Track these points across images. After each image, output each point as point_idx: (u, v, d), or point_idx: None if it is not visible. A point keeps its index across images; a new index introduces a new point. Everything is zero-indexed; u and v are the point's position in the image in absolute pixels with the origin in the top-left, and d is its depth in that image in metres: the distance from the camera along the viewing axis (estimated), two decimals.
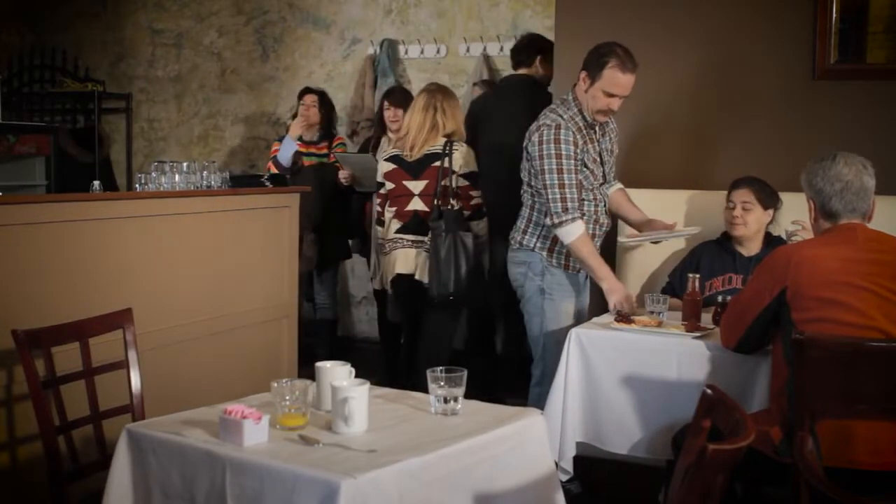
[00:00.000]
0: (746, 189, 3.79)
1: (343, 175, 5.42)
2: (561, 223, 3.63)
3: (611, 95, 3.66)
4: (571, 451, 3.36)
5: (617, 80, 3.62)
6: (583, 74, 3.70)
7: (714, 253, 3.88)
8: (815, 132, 4.16)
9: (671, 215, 4.25)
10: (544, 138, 3.65)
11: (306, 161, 5.56)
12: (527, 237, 3.83)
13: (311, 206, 5.36)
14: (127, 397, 2.88)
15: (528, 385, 3.88)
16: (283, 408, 2.31)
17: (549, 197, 3.64)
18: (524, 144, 3.78)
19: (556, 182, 3.63)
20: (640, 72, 3.83)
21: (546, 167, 3.64)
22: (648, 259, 4.24)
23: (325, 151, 5.63)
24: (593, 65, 3.66)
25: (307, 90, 5.71)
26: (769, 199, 3.80)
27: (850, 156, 2.85)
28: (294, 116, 5.78)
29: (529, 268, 3.81)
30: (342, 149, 5.72)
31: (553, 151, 3.63)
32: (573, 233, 3.64)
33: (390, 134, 5.34)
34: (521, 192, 3.88)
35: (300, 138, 5.60)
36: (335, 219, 5.57)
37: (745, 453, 1.83)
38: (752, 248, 3.83)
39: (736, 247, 3.85)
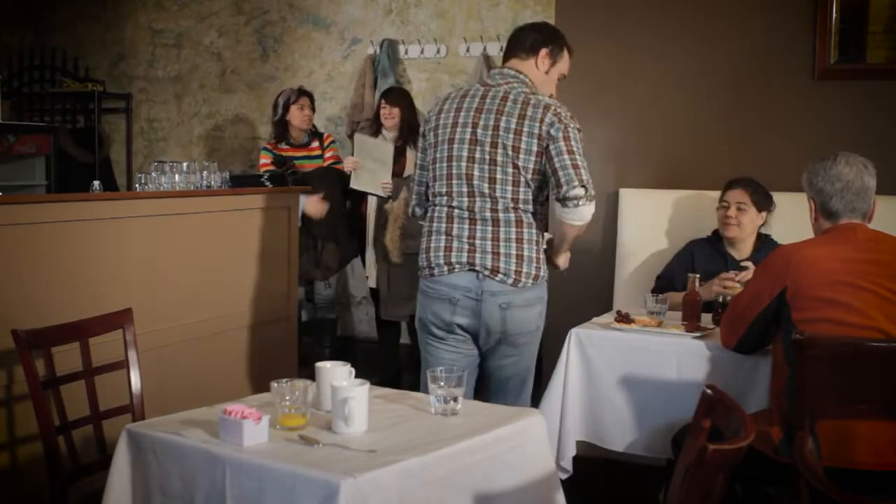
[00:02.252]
0: (742, 190, 3.78)
1: (349, 163, 5.32)
2: (591, 198, 3.00)
3: (560, 80, 3.28)
4: (571, 451, 3.35)
5: (568, 63, 3.27)
6: (544, 52, 3.18)
7: (707, 254, 3.85)
8: (815, 132, 4.16)
9: (672, 215, 4.26)
10: (562, 114, 3.04)
11: (301, 165, 5.48)
12: (541, 267, 3.11)
13: (327, 214, 5.34)
14: (127, 397, 2.88)
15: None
16: (283, 408, 2.31)
17: (582, 167, 2.98)
18: (531, 131, 3.02)
19: (582, 158, 3.02)
20: (639, 72, 3.84)
21: (573, 141, 3.00)
22: (649, 260, 4.24)
23: (318, 153, 5.60)
24: (556, 43, 3.21)
25: (302, 92, 5.64)
26: (763, 202, 3.80)
27: (852, 156, 2.85)
28: (278, 123, 5.56)
29: (543, 304, 3.16)
30: (335, 147, 5.70)
31: (577, 127, 3.07)
32: (591, 213, 3.05)
33: (385, 133, 5.38)
34: (509, 205, 3.05)
35: (290, 143, 5.55)
36: (347, 222, 5.55)
37: (745, 453, 1.83)
38: (744, 250, 3.82)
39: (728, 249, 3.83)
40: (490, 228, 3.05)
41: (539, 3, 6.01)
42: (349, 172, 5.34)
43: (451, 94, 3.23)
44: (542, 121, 3.03)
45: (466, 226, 3.07)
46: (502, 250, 3.04)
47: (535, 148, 3.03)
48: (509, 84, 3.13)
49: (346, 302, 6.62)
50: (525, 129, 3.04)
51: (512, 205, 3.05)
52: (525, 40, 3.20)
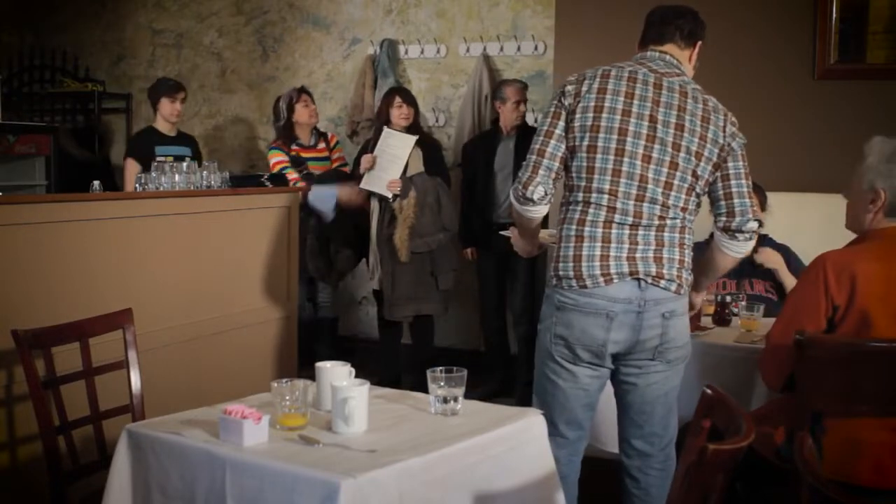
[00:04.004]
0: None
1: (366, 161, 5.18)
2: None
3: None
4: None
5: None
6: (699, 45, 2.88)
7: None
8: (815, 132, 4.17)
9: None
10: (737, 124, 2.81)
11: (312, 166, 5.44)
12: (689, 273, 2.82)
13: (342, 218, 5.31)
14: (127, 397, 2.88)
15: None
16: (283, 408, 2.31)
17: (750, 197, 2.77)
18: (714, 138, 2.75)
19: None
20: None
21: (746, 161, 2.79)
22: None
23: (325, 154, 5.59)
24: (704, 36, 2.90)
25: (303, 90, 5.61)
26: (763, 201, 3.80)
27: None
28: (284, 126, 5.51)
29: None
30: (340, 148, 5.70)
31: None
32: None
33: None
34: (678, 214, 2.74)
35: (298, 143, 5.52)
36: (355, 223, 5.50)
37: (746, 454, 1.83)
38: None
39: None
40: (654, 234, 2.70)
41: (539, 2, 6.00)
42: (363, 172, 5.22)
43: (608, 70, 2.76)
44: (724, 129, 2.76)
45: (627, 232, 2.69)
46: (665, 255, 2.71)
47: (714, 158, 2.73)
48: (679, 76, 2.78)
49: (347, 302, 6.62)
50: (710, 135, 2.73)
51: (681, 214, 2.73)
52: (684, 27, 2.83)
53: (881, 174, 2.60)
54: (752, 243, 2.77)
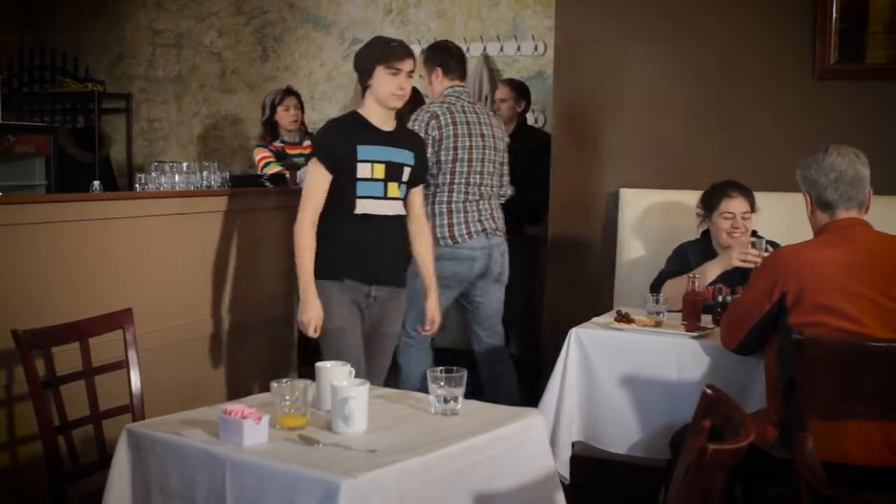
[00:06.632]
0: (742, 199, 3.74)
1: None
2: None
3: None
4: (567, 454, 3.33)
5: None
6: (439, 71, 4.22)
7: (700, 257, 3.82)
8: (815, 132, 4.16)
9: (672, 215, 4.25)
10: None
11: (297, 161, 5.47)
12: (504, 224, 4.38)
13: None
14: (127, 397, 2.88)
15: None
16: (283, 408, 2.31)
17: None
18: (502, 138, 4.32)
19: None
20: (639, 72, 3.80)
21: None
22: (649, 260, 4.23)
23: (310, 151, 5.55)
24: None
25: (288, 92, 5.60)
26: (754, 202, 3.79)
27: (842, 147, 2.86)
28: (266, 123, 5.47)
29: None
30: None
31: None
32: None
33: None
34: (498, 191, 4.32)
35: (282, 140, 5.52)
36: None
37: (746, 453, 1.83)
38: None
39: (720, 253, 3.80)
40: (488, 203, 4.22)
41: (539, 2, 6.01)
42: None
43: (451, 108, 4.13)
44: (503, 130, 4.36)
45: (475, 204, 4.16)
46: (496, 215, 4.25)
47: (503, 150, 4.30)
48: (476, 102, 4.41)
49: None
50: (502, 135, 4.31)
51: (497, 191, 4.30)
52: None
53: (800, 181, 2.92)
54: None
